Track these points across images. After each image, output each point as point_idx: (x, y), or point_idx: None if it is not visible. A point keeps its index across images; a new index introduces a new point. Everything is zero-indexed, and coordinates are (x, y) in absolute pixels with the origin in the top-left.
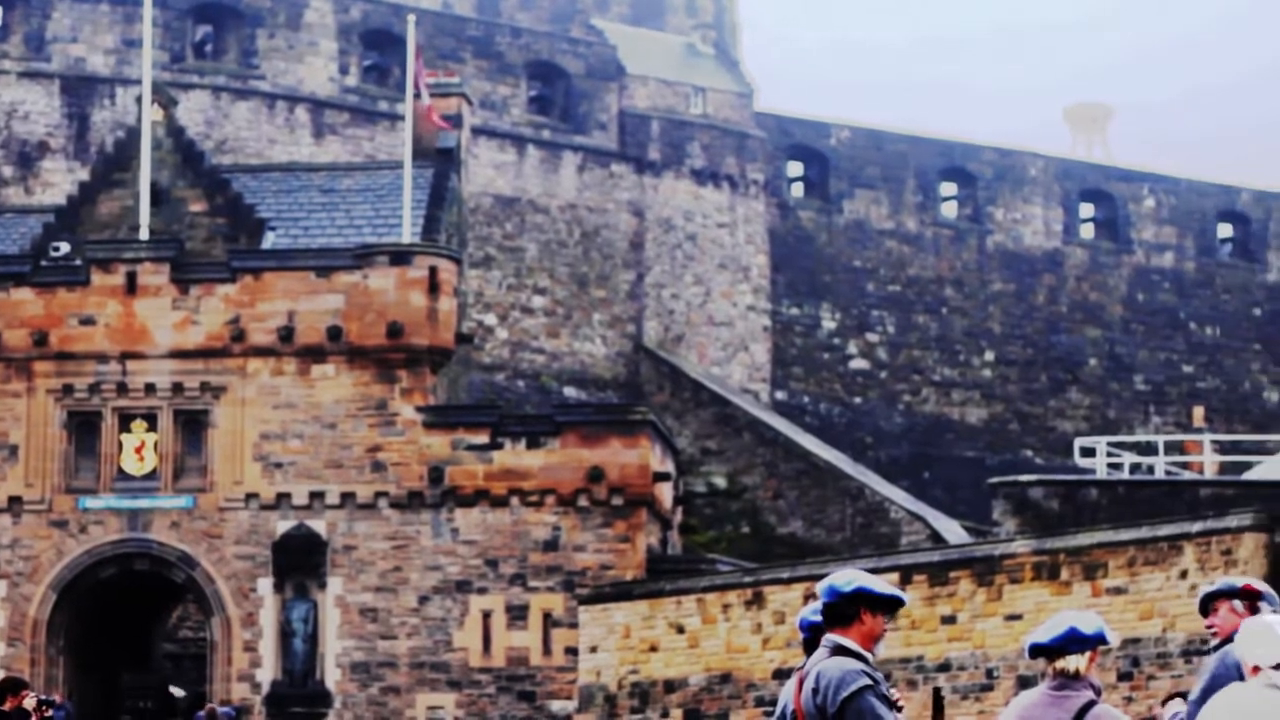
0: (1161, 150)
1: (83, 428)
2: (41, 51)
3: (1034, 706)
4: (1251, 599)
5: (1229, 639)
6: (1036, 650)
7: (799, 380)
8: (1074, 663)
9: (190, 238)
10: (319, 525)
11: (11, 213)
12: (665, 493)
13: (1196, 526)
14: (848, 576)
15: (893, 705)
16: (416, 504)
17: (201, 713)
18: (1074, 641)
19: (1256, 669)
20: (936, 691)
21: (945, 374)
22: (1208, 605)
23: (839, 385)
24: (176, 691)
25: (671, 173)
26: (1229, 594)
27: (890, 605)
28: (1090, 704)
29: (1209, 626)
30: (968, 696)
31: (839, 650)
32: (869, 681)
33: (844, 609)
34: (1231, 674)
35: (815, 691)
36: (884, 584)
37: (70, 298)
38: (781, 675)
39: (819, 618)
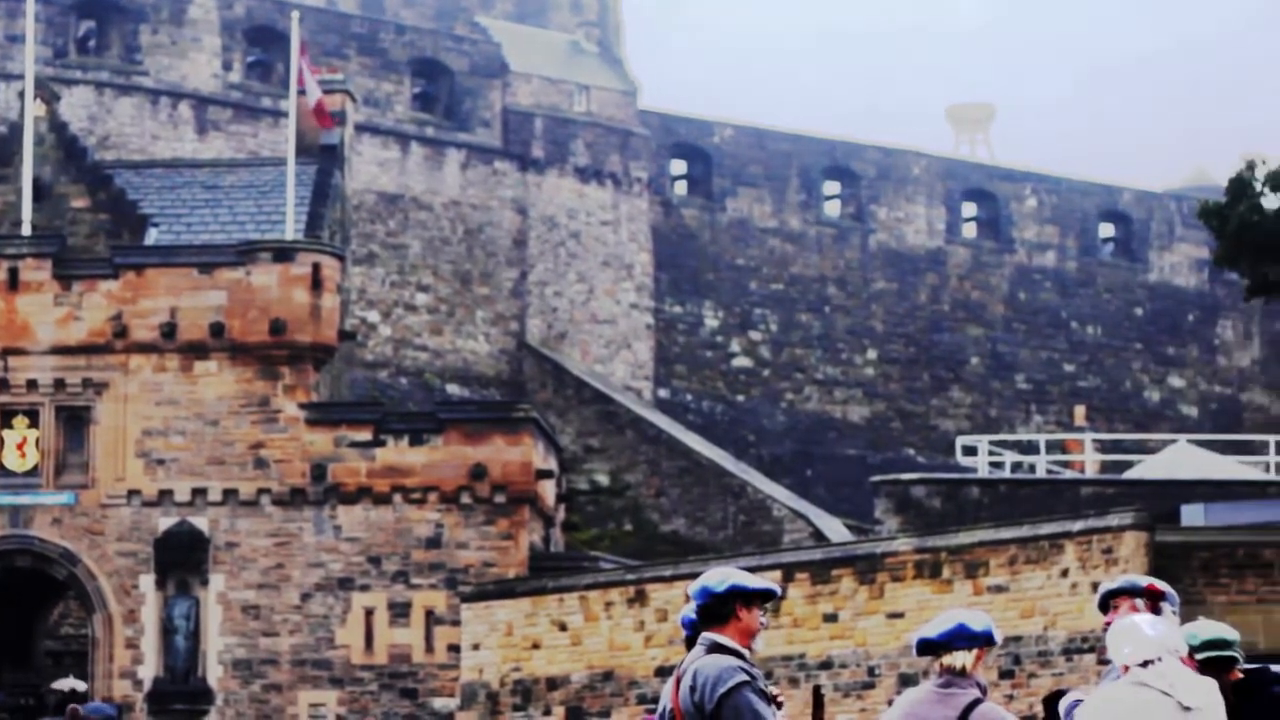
0: (1043, 150)
1: None
2: None
3: (920, 704)
4: (1154, 599)
5: None
6: (925, 646)
7: (682, 378)
8: (960, 659)
9: (73, 234)
10: (201, 522)
11: None
12: (548, 490)
13: (1078, 525)
14: (720, 575)
15: (771, 701)
16: (299, 501)
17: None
18: (961, 638)
19: (1127, 668)
20: (817, 689)
21: (828, 372)
22: (1108, 602)
23: (722, 383)
24: (78, 685)
25: (555, 170)
26: (1131, 592)
27: (764, 598)
28: (976, 701)
29: (1108, 624)
30: (849, 694)
31: (716, 648)
32: (746, 677)
33: (719, 607)
34: None
35: (693, 689)
36: (756, 578)
37: None
38: (664, 673)
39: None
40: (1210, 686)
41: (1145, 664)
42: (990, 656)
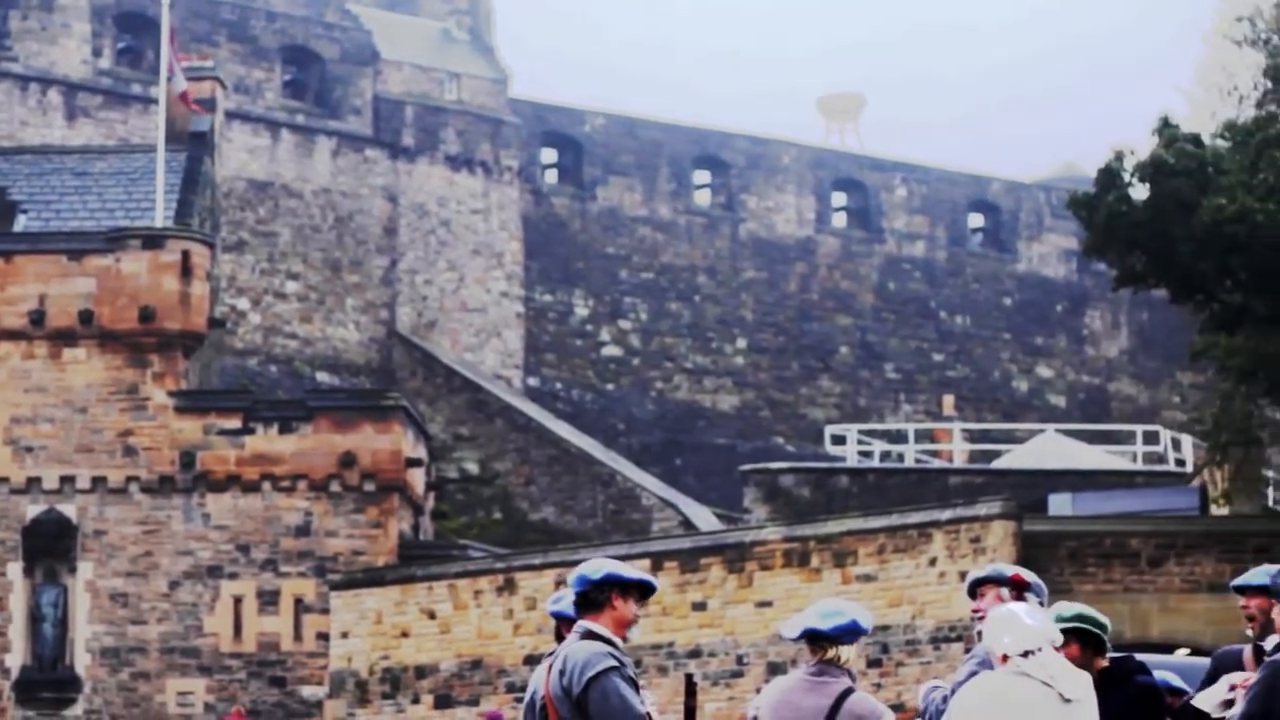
0: (913, 141)
1: None
2: None
3: (792, 691)
4: (1019, 589)
5: None
6: (814, 635)
7: (552, 367)
8: (846, 653)
9: None
10: (69, 510)
11: None
12: (417, 479)
13: (946, 514)
14: (597, 564)
15: (637, 688)
16: (168, 489)
17: None
18: (851, 633)
19: (1005, 657)
20: (689, 678)
21: (697, 361)
22: (975, 590)
23: (591, 372)
24: None
25: (426, 158)
26: (998, 581)
27: (640, 590)
28: (849, 691)
29: (975, 611)
30: (718, 683)
31: (589, 635)
32: (614, 663)
33: (595, 596)
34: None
35: (562, 674)
36: (634, 569)
37: None
38: (533, 661)
39: (562, 607)
40: (1086, 680)
41: (1026, 654)
42: (858, 644)
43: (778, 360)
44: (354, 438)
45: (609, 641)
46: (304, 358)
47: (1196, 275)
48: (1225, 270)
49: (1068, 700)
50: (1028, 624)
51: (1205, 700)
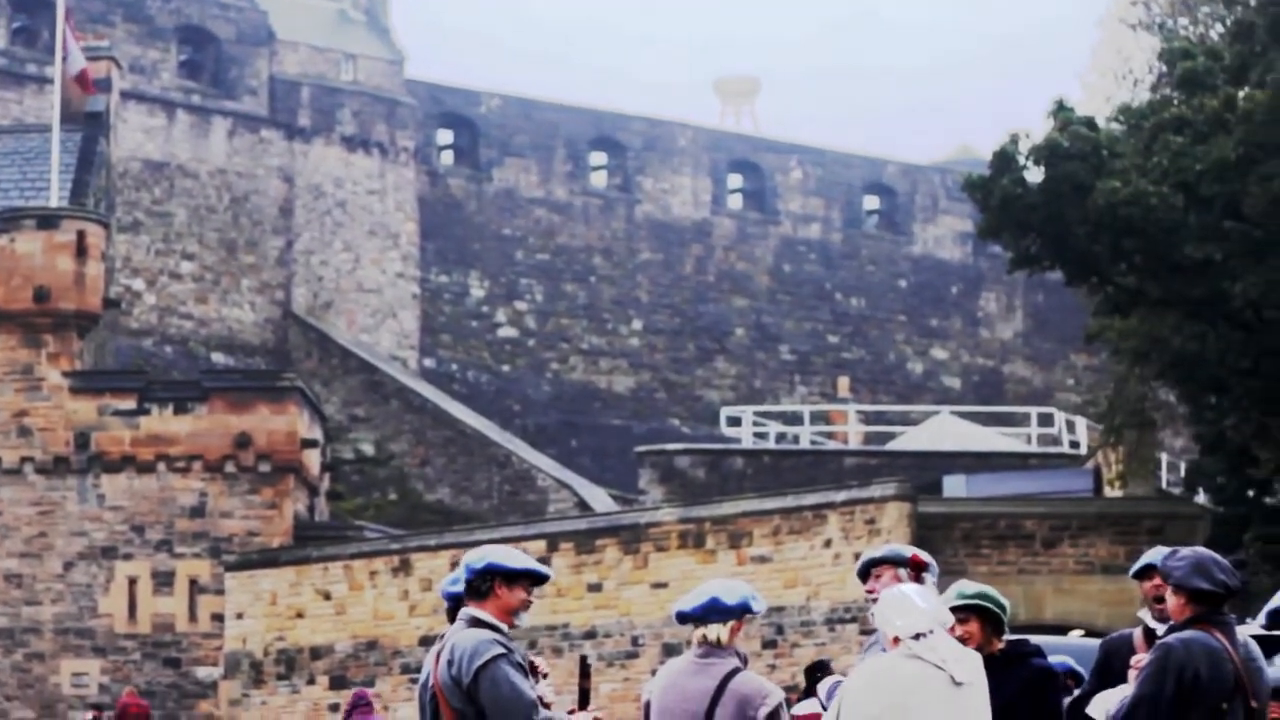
0: (808, 123)
1: None
2: None
3: (680, 674)
4: (918, 570)
5: None
6: (683, 618)
7: (447, 348)
8: (715, 632)
9: None
10: None
11: None
12: (313, 459)
13: (841, 496)
14: (481, 553)
15: (530, 673)
16: (62, 469)
17: None
18: (716, 611)
19: (897, 640)
20: (583, 659)
21: (593, 342)
22: (869, 571)
23: (487, 353)
24: None
25: (321, 139)
26: (894, 562)
27: (529, 579)
28: (735, 671)
29: (870, 592)
30: (613, 664)
31: (474, 623)
32: (502, 650)
33: (479, 585)
34: None
35: (450, 664)
36: (520, 558)
37: None
38: (427, 642)
39: (459, 588)
40: (978, 662)
41: (917, 636)
42: (753, 626)
43: (673, 342)
44: (249, 418)
45: (495, 628)
46: (199, 338)
47: (1091, 258)
48: (1119, 253)
49: (959, 683)
50: (920, 606)
51: (1099, 709)
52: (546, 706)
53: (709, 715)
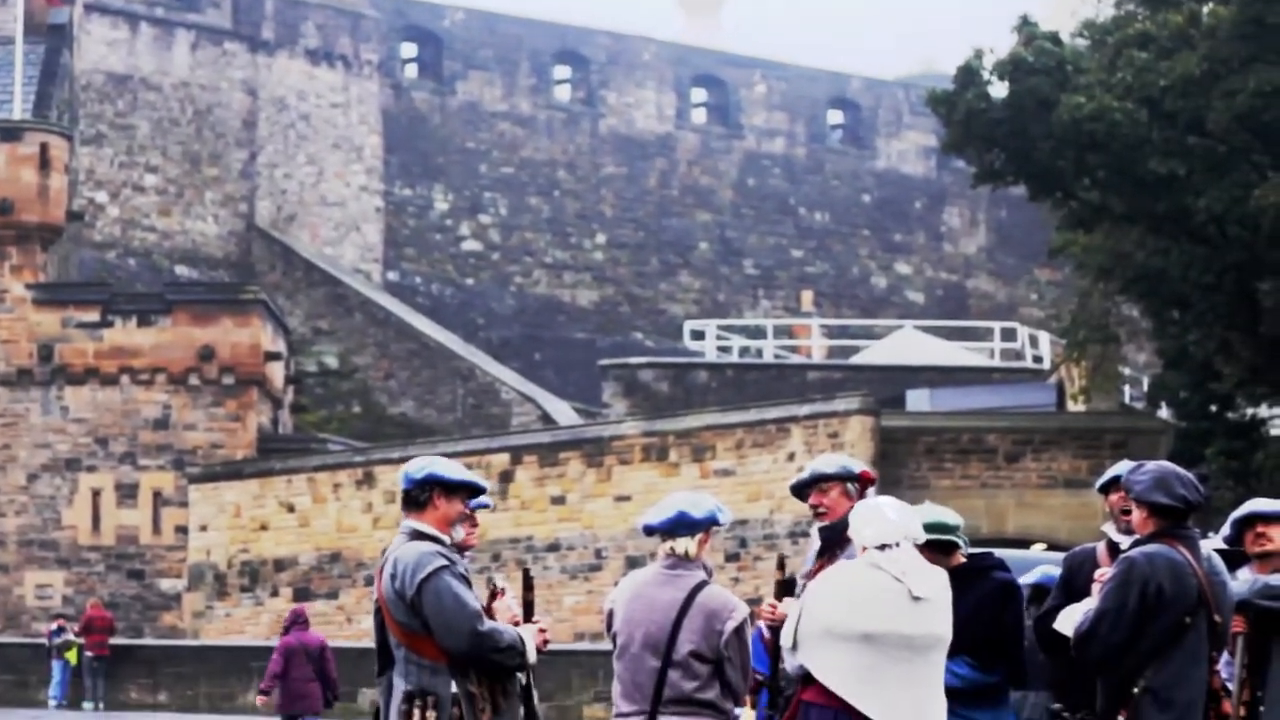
0: (773, 38)
1: None
2: None
3: (647, 585)
4: (865, 485)
5: (841, 520)
6: (649, 531)
7: (411, 261)
8: (684, 545)
9: None
10: None
11: None
12: (276, 372)
13: (804, 410)
14: (421, 462)
15: (469, 583)
16: (26, 381)
17: None
18: (683, 525)
19: (865, 549)
20: (525, 572)
21: (557, 256)
22: (811, 488)
23: (451, 266)
24: None
25: (285, 52)
26: (845, 478)
27: (465, 490)
28: (702, 584)
29: (815, 505)
30: (576, 576)
31: (415, 535)
32: (444, 562)
33: (417, 495)
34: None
35: (394, 577)
36: (459, 470)
37: None
38: None
39: None
40: (942, 578)
41: (883, 547)
42: (717, 539)
43: (637, 256)
44: (213, 331)
45: (435, 539)
46: (163, 251)
47: (1054, 173)
48: (1083, 168)
49: (917, 598)
50: (889, 518)
51: (1066, 623)
52: (513, 622)
53: (676, 627)
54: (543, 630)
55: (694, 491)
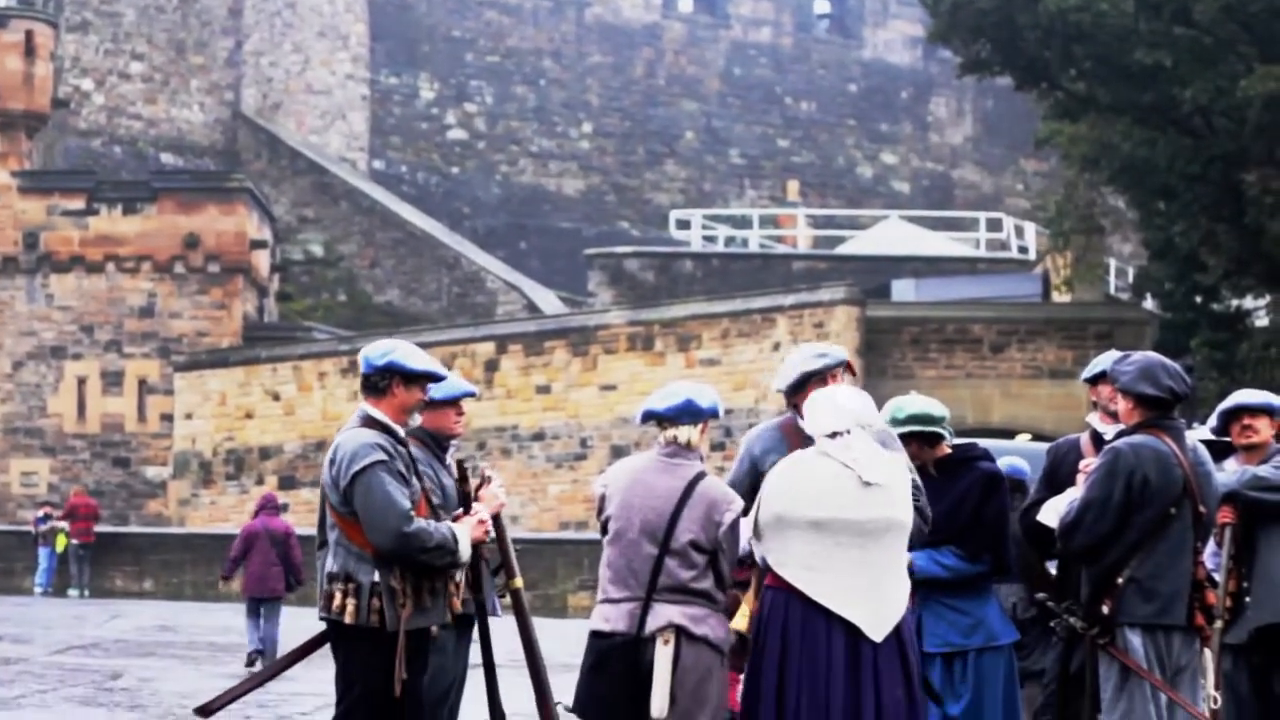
0: None
1: None
2: None
3: (646, 472)
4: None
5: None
6: (651, 416)
7: (397, 149)
8: (686, 434)
9: None
10: None
11: None
12: (262, 260)
13: (790, 299)
14: (383, 348)
15: (409, 480)
16: (11, 269)
17: None
18: (688, 413)
19: (818, 438)
20: (460, 464)
21: (543, 145)
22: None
23: (437, 155)
24: None
25: None
26: (841, 365)
27: (425, 379)
28: (701, 474)
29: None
30: (561, 465)
31: (367, 421)
32: (382, 457)
33: (376, 381)
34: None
35: (332, 463)
36: (420, 359)
37: None
38: None
39: None
40: (896, 464)
41: (834, 435)
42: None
43: (623, 145)
44: (198, 219)
45: (387, 429)
46: (148, 139)
47: (1041, 63)
48: (1069, 58)
49: (868, 483)
50: (840, 406)
51: (1050, 515)
52: (497, 511)
53: (675, 515)
54: (482, 522)
55: (696, 382)
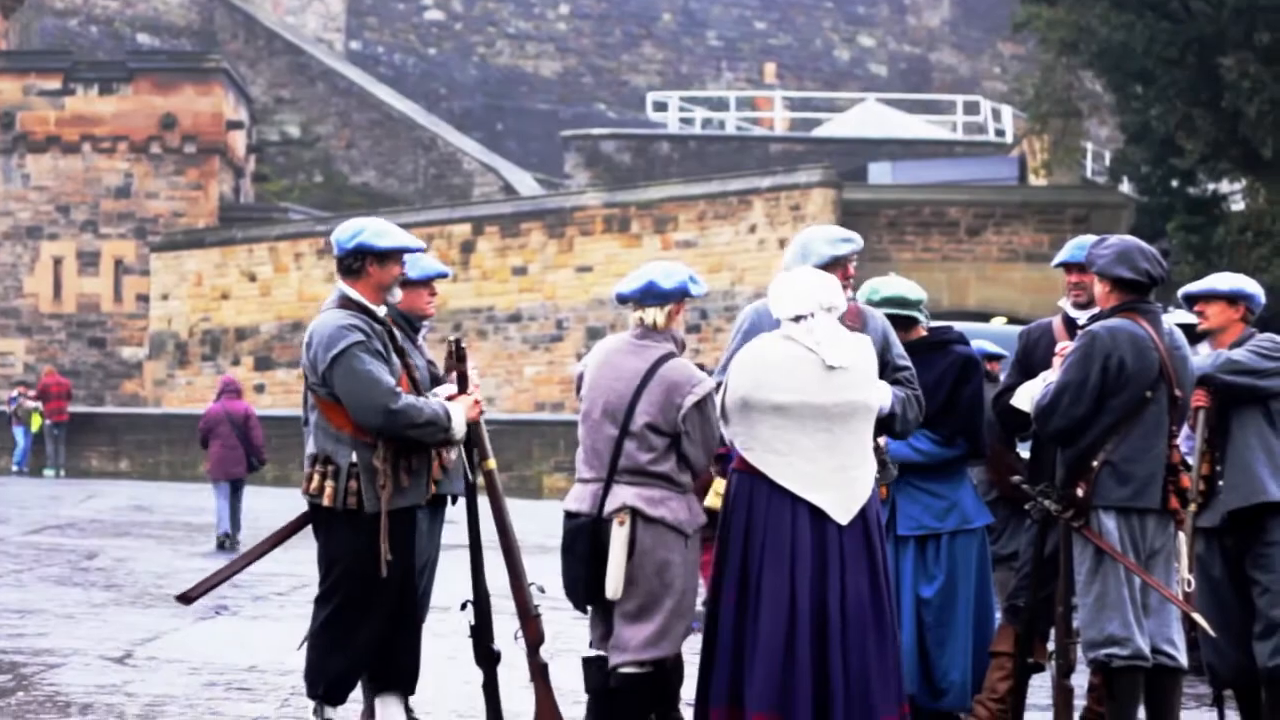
0: None
1: None
2: None
3: (616, 353)
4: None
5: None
6: (622, 299)
7: (374, 30)
8: (651, 315)
9: None
10: None
11: None
12: (238, 141)
13: (766, 182)
14: (353, 229)
15: (389, 358)
16: None
17: None
18: (652, 294)
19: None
20: (456, 342)
21: (520, 27)
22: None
23: (414, 36)
24: None
25: None
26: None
27: (399, 254)
28: (668, 355)
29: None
30: (537, 347)
31: (344, 302)
32: (359, 338)
33: (350, 263)
34: (763, 325)
35: (308, 346)
36: (392, 236)
37: None
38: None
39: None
40: (861, 346)
41: (798, 319)
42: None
43: (600, 26)
44: (175, 99)
45: (364, 309)
46: (124, 19)
47: None
48: None
49: (831, 367)
50: (803, 288)
51: (1024, 399)
52: (468, 390)
53: (635, 397)
54: (478, 402)
55: (670, 262)
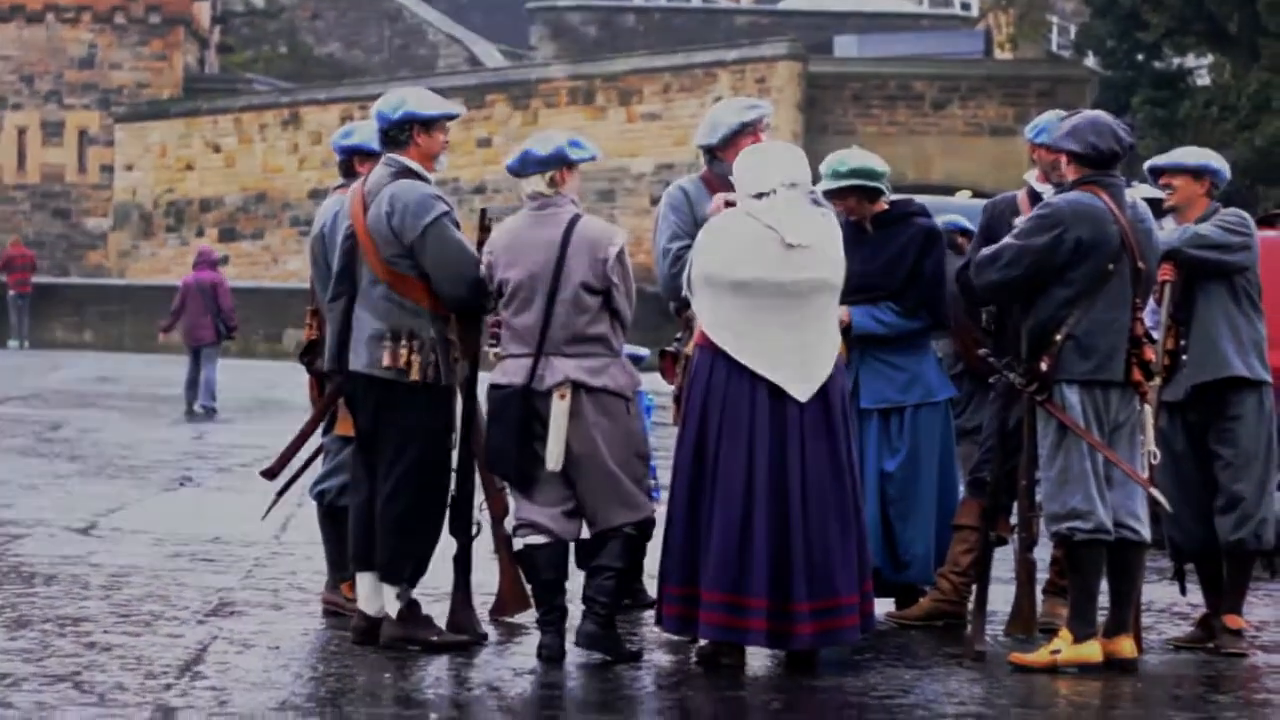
0: None
1: None
2: None
3: (524, 230)
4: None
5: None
6: (511, 173)
7: None
8: (533, 185)
9: None
10: None
11: None
12: (203, 12)
13: (732, 54)
14: (395, 99)
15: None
16: None
17: None
18: (531, 163)
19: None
20: (483, 213)
21: None
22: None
23: None
24: None
25: None
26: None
27: (444, 121)
28: (577, 217)
29: None
30: (501, 219)
31: (405, 172)
32: (446, 208)
33: (396, 134)
34: (680, 205)
35: (390, 214)
36: (435, 103)
37: None
38: (317, 195)
39: (351, 141)
40: (823, 222)
41: (759, 196)
42: (643, 184)
43: None
44: None
45: (424, 179)
46: None
47: None
48: None
49: (791, 245)
50: (767, 164)
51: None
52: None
53: (559, 262)
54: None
55: (555, 130)
